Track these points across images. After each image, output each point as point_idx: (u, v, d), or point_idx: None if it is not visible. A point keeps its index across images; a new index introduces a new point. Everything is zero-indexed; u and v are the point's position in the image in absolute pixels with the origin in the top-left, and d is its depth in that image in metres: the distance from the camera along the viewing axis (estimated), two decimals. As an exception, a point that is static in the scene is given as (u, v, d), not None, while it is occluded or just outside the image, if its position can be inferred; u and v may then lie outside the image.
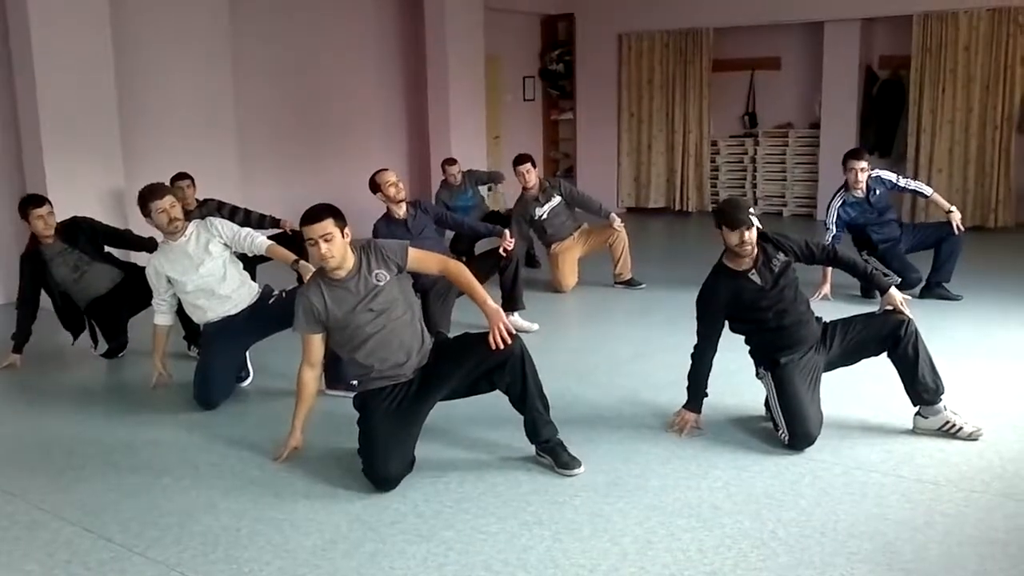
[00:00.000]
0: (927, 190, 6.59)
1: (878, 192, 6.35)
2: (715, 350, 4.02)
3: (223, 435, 4.16)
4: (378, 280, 3.60)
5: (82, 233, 5.42)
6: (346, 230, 3.56)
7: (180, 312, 4.91)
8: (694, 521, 3.20)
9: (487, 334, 3.51)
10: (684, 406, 4.05)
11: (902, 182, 6.52)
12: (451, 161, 8.43)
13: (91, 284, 5.39)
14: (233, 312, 4.63)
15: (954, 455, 3.72)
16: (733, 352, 5.33)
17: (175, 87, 7.77)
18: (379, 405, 3.60)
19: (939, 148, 9.73)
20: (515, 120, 11.79)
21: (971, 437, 3.82)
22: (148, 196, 4.58)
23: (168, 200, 4.58)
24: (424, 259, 3.78)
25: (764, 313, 3.93)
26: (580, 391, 4.65)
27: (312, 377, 3.75)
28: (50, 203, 5.32)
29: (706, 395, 4.05)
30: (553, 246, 7.10)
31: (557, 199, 7.03)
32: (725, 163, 11.41)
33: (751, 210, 3.84)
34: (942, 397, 3.89)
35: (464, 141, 9.96)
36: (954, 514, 3.22)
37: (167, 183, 5.90)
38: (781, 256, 3.93)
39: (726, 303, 3.95)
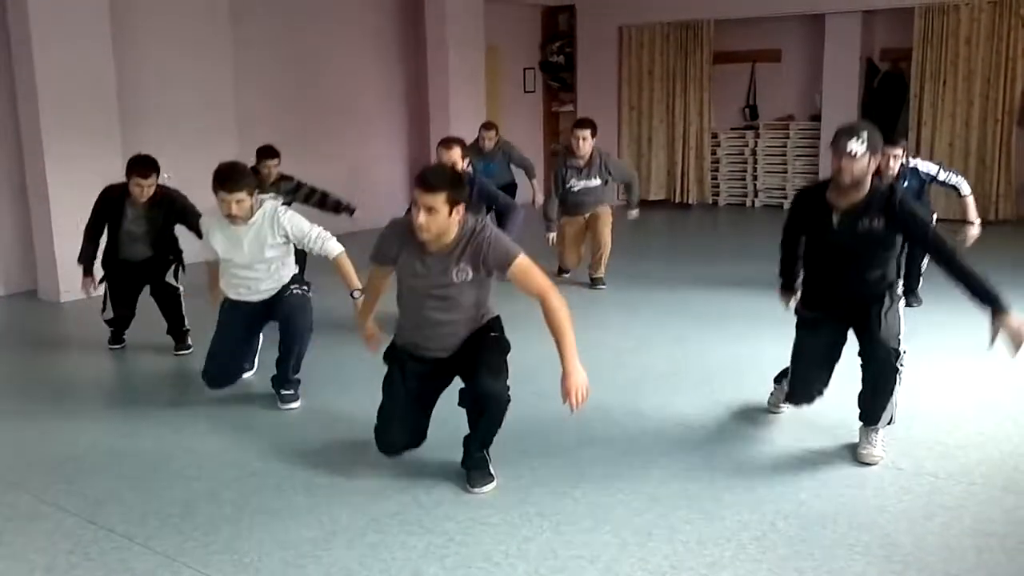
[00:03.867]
0: (965, 189, 5.95)
1: (906, 184, 5.69)
2: (795, 248, 3.89)
3: (225, 426, 4.17)
4: (457, 278, 3.36)
5: (168, 211, 5.25)
6: (459, 208, 3.29)
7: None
8: (694, 513, 3.21)
9: (500, 353, 3.46)
10: (779, 290, 4.02)
11: (943, 175, 5.89)
12: (488, 126, 8.10)
13: (137, 249, 5.32)
14: (254, 300, 4.48)
15: (954, 448, 3.73)
16: (735, 346, 5.34)
17: (174, 74, 7.77)
18: (402, 373, 3.54)
19: (940, 141, 9.73)
20: (515, 112, 11.76)
21: (860, 458, 3.64)
22: (220, 182, 4.19)
23: (235, 196, 4.17)
24: (529, 277, 3.36)
25: (826, 253, 3.69)
26: (580, 383, 4.64)
27: (382, 282, 3.68)
28: (157, 174, 5.14)
29: (796, 285, 3.91)
30: (563, 217, 6.98)
31: (597, 182, 6.78)
32: (726, 155, 11.40)
33: (862, 137, 3.45)
34: (878, 427, 3.68)
35: (464, 132, 9.90)
36: (953, 507, 3.23)
37: (256, 157, 6.13)
38: (878, 223, 3.52)
39: (801, 218, 3.78)
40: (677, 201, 11.49)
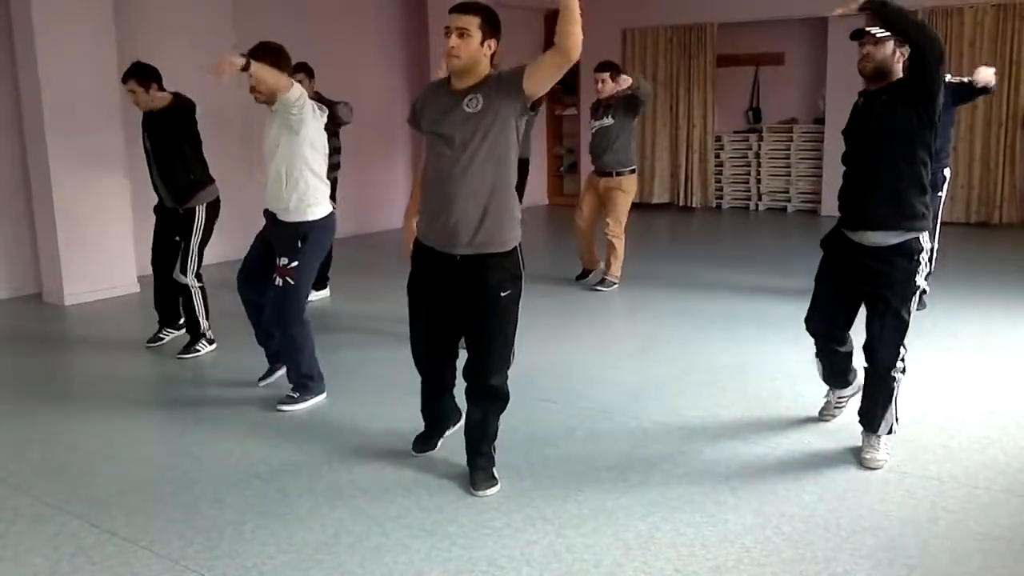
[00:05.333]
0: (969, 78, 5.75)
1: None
2: None
3: (228, 430, 4.17)
4: (468, 107, 3.16)
5: (169, 124, 5.19)
6: (490, 43, 3.17)
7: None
8: (697, 516, 3.20)
9: (503, 328, 3.36)
10: None
11: (963, 79, 5.81)
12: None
13: (159, 184, 5.28)
14: (272, 211, 4.32)
15: (958, 451, 3.72)
16: (739, 349, 5.34)
17: (178, 77, 7.76)
18: (418, 294, 3.45)
19: (944, 144, 9.72)
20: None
21: (864, 463, 3.61)
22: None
23: (252, 68, 3.98)
24: (539, 61, 3.13)
25: (851, 142, 3.59)
26: (583, 386, 4.65)
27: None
28: (139, 81, 5.07)
29: None
30: (590, 175, 7.08)
31: (609, 121, 6.88)
32: (729, 158, 11.39)
33: (875, 30, 3.43)
34: (878, 435, 3.65)
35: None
36: (958, 510, 3.22)
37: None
38: (895, 95, 3.42)
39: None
40: (680, 204, 11.49)
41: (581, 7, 3.08)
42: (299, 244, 4.25)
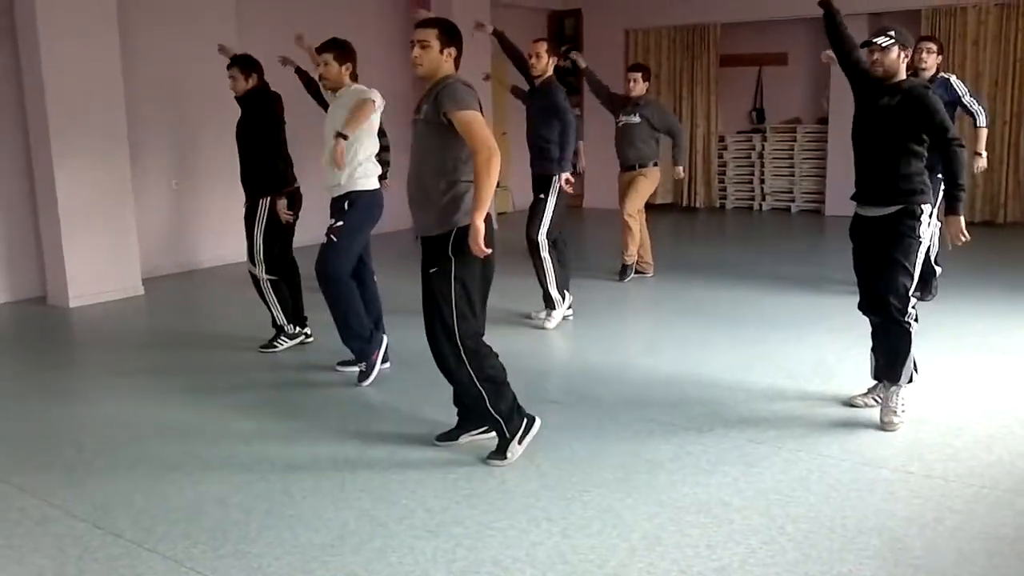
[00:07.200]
0: (982, 120, 5.96)
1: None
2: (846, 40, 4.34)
3: (233, 429, 4.17)
4: (418, 113, 3.57)
5: (250, 110, 5.40)
6: (450, 51, 3.53)
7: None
8: (703, 517, 3.20)
9: (440, 306, 3.55)
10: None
11: (967, 99, 5.90)
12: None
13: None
14: (330, 189, 4.73)
15: (963, 451, 3.71)
16: (745, 349, 5.33)
17: (182, 81, 7.79)
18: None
19: (947, 143, 9.70)
20: (522, 116, 11.72)
21: (883, 426, 3.95)
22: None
23: (322, 56, 4.79)
24: (468, 130, 3.39)
25: (857, 127, 4.02)
26: (589, 387, 4.65)
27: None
28: (240, 68, 5.34)
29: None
30: (619, 175, 7.29)
31: (636, 119, 7.08)
32: (733, 159, 11.40)
33: (890, 33, 3.91)
34: (895, 386, 3.99)
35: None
36: (963, 510, 3.21)
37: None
38: (894, 101, 3.86)
39: (861, 74, 4.11)
40: (684, 204, 11.49)
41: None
42: (345, 207, 4.69)
